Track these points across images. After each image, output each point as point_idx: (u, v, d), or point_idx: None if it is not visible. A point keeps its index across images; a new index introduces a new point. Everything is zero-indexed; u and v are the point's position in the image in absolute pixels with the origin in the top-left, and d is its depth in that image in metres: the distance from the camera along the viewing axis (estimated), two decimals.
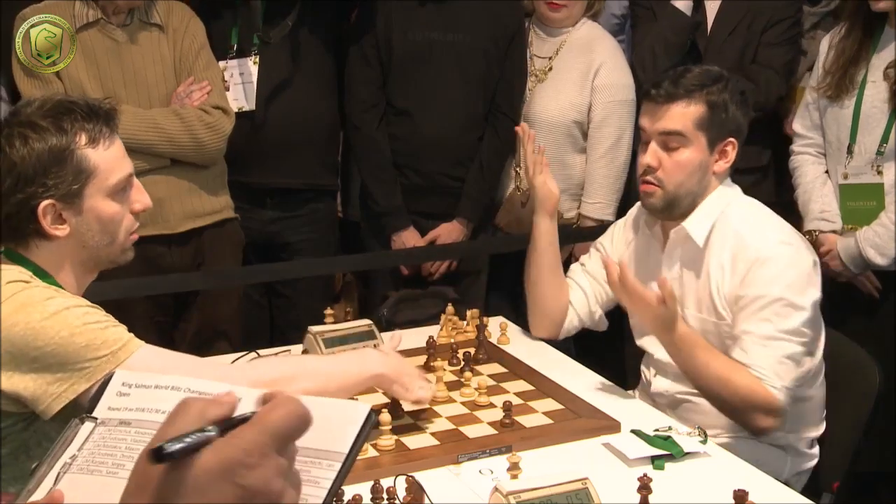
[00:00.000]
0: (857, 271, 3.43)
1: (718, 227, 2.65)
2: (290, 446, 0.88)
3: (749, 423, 2.52)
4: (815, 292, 2.58)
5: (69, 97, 2.19)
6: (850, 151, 3.43)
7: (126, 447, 1.02)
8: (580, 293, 2.99)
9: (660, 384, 2.82)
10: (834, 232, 3.47)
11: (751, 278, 2.56)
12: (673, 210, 2.69)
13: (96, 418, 1.09)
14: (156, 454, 0.83)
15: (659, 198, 2.67)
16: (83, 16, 3.34)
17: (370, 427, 1.02)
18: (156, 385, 1.08)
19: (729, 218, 2.66)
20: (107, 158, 2.12)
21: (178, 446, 0.84)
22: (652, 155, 2.65)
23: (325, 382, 2.19)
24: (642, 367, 2.94)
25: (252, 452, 0.84)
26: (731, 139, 2.66)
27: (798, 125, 3.64)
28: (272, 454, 0.85)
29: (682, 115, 2.62)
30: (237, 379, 2.10)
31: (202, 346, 3.40)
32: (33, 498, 1.04)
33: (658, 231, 2.80)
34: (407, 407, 2.50)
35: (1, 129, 2.09)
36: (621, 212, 3.54)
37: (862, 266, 3.41)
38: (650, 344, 2.87)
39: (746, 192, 2.66)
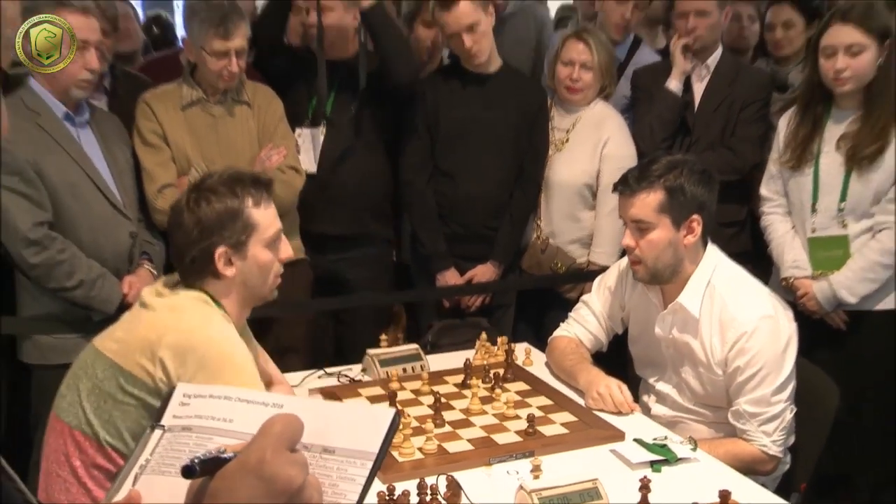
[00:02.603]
0: (829, 309, 3.40)
1: (707, 298, 2.63)
2: (299, 448, 0.92)
3: (756, 472, 2.52)
4: (792, 356, 2.58)
5: (239, 170, 2.36)
6: (814, 210, 3.41)
7: (189, 450, 1.02)
8: (588, 335, 2.98)
9: (658, 410, 2.81)
10: (806, 277, 3.44)
11: (739, 349, 2.56)
12: (659, 279, 2.69)
13: (163, 426, 1.09)
14: (184, 470, 0.91)
15: (643, 272, 2.67)
16: (189, 96, 3.45)
17: (396, 429, 1.02)
18: (210, 395, 1.09)
19: (716, 288, 2.63)
20: (266, 216, 2.30)
21: (198, 464, 0.91)
22: (629, 237, 2.67)
23: None
24: (641, 393, 2.91)
25: (264, 450, 0.89)
26: (695, 216, 2.61)
27: (765, 190, 3.61)
28: (282, 450, 0.89)
29: (644, 204, 2.60)
30: None
31: (277, 363, 3.40)
32: (116, 499, 1.03)
33: (657, 291, 2.77)
34: (448, 417, 2.52)
35: (189, 194, 2.27)
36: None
37: (834, 304, 3.38)
38: (649, 375, 2.87)
39: (728, 242, 2.60)
